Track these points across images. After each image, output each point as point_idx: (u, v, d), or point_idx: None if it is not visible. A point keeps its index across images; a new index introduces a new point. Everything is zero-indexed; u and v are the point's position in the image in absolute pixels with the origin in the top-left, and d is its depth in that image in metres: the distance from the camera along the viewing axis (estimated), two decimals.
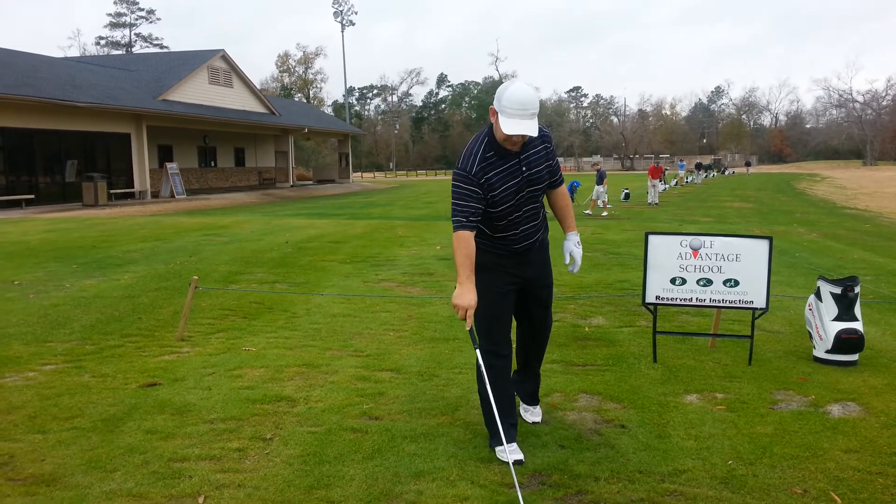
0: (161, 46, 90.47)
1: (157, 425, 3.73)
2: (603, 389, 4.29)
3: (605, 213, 20.15)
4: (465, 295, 3.12)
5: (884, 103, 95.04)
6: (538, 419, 3.77)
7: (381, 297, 7.28)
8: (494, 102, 3.15)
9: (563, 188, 3.56)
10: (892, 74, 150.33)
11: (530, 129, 3.07)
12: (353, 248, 11.57)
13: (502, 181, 3.21)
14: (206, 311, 6.63)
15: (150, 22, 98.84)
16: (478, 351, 3.23)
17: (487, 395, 3.20)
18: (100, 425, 3.74)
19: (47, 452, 3.40)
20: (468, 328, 3.16)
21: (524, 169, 3.26)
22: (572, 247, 3.55)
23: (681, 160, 52.84)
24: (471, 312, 3.12)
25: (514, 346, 3.63)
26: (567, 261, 3.58)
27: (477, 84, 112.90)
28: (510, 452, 3.22)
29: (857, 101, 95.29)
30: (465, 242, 3.15)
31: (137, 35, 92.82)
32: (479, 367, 3.28)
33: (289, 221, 17.43)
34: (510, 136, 3.11)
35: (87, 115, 24.60)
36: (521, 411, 3.82)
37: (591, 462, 3.27)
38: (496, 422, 3.13)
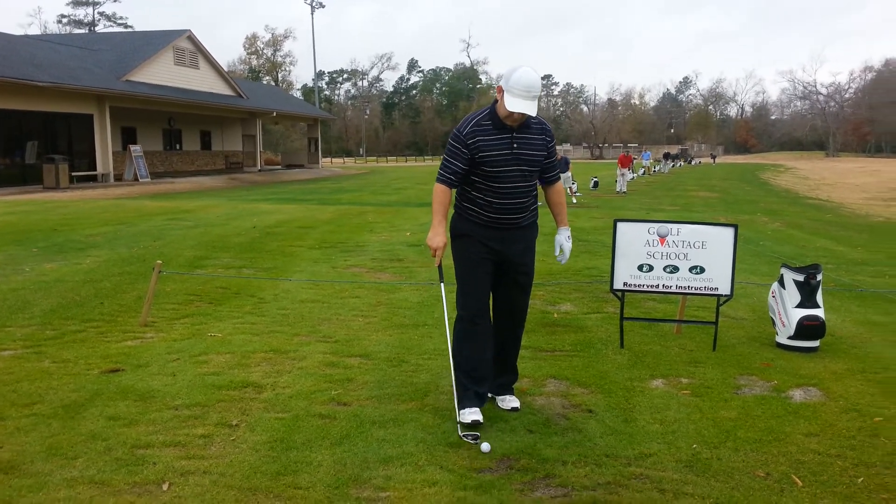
0: (125, 26, 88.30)
1: (120, 412, 3.66)
2: (571, 375, 4.32)
3: (574, 201, 20.29)
4: (436, 237, 3.53)
5: (846, 96, 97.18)
6: (517, 404, 3.77)
7: (350, 283, 7.23)
8: (502, 82, 3.44)
9: (560, 186, 3.85)
10: (854, 68, 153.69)
11: (530, 109, 3.38)
12: (321, 233, 11.47)
13: (490, 147, 3.49)
14: (171, 296, 6.52)
15: (115, 1, 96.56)
16: (442, 285, 3.70)
17: (460, 357, 3.60)
18: (60, 412, 3.65)
19: (5, 439, 3.31)
20: (436, 265, 3.62)
21: (515, 145, 3.52)
22: (563, 240, 3.81)
23: (646, 150, 53.34)
24: (440, 252, 3.54)
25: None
26: (557, 252, 3.83)
27: (448, 70, 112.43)
28: (470, 414, 3.52)
29: (820, 94, 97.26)
30: (441, 193, 3.55)
31: (101, 14, 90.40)
32: (454, 327, 3.68)
33: (256, 206, 17.22)
34: (511, 114, 3.42)
35: (47, 95, 23.92)
36: (498, 401, 3.82)
37: (558, 446, 3.30)
38: (464, 384, 3.56)
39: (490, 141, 3.48)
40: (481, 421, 3.48)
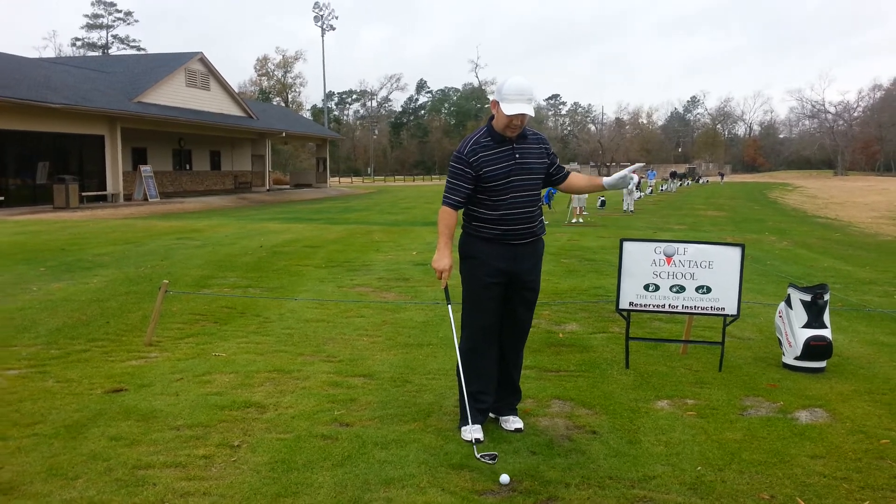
0: (138, 48, 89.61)
1: (122, 432, 3.66)
2: (575, 395, 4.29)
3: (580, 220, 20.27)
4: (442, 259, 3.57)
5: (855, 115, 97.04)
6: (520, 425, 3.75)
7: (355, 303, 7.23)
8: (495, 94, 3.53)
9: (574, 173, 3.87)
10: (863, 87, 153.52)
11: (527, 110, 3.45)
12: (328, 252, 11.50)
13: (493, 162, 3.55)
14: (177, 315, 6.54)
15: (128, 24, 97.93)
16: (450, 307, 3.74)
17: (464, 376, 3.62)
18: (62, 432, 3.65)
19: (6, 460, 3.31)
20: (443, 287, 3.68)
21: (517, 156, 3.58)
22: (618, 176, 3.78)
23: (651, 169, 53.27)
24: (446, 274, 3.59)
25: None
26: (629, 185, 3.97)
27: (457, 91, 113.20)
28: (472, 432, 3.55)
29: (829, 112, 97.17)
30: (447, 216, 3.60)
31: (114, 37, 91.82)
32: (460, 344, 3.72)
33: (264, 226, 17.29)
34: (510, 121, 3.48)
35: (60, 117, 24.21)
36: (502, 422, 3.80)
37: (562, 468, 3.26)
38: (466, 402, 3.58)
39: (492, 156, 3.55)
40: (482, 439, 3.48)
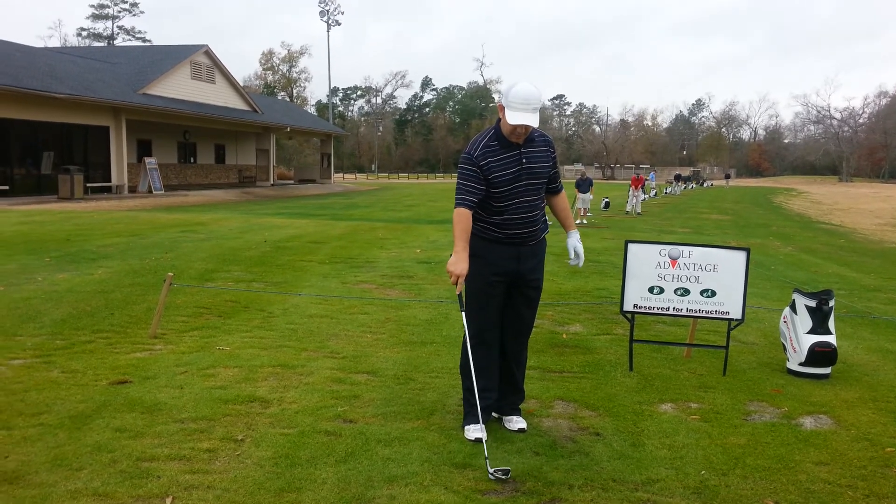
0: (144, 40, 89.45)
1: (127, 424, 3.66)
2: (579, 397, 4.29)
3: (584, 221, 20.25)
4: (459, 263, 3.47)
5: (860, 121, 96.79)
6: (524, 426, 3.75)
7: (359, 299, 7.23)
8: (502, 98, 3.49)
9: (564, 194, 3.91)
10: (868, 93, 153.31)
11: (532, 120, 3.43)
12: (332, 248, 11.50)
13: (501, 167, 3.54)
14: (181, 308, 6.54)
15: (134, 15, 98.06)
16: (463, 314, 3.62)
17: (469, 372, 3.56)
18: (67, 422, 3.66)
19: (11, 449, 3.32)
20: (458, 292, 3.54)
21: (524, 160, 3.57)
22: (575, 242, 3.89)
23: (652, 171, 53.11)
24: (461, 279, 3.48)
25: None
26: (572, 255, 3.90)
27: (461, 88, 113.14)
28: (474, 431, 3.55)
29: (834, 118, 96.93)
30: (462, 218, 3.52)
31: (120, 28, 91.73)
32: (464, 342, 3.67)
33: (268, 220, 17.30)
34: (514, 129, 3.47)
35: (65, 107, 24.24)
36: (505, 422, 3.80)
37: (565, 469, 3.26)
38: (470, 401, 3.57)
39: (499, 160, 3.54)
40: (485, 439, 3.42)
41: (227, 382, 4.38)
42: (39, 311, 6.24)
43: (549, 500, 2.98)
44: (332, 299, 7.18)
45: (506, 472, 3.15)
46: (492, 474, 3.14)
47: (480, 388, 3.57)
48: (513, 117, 3.41)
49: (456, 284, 3.50)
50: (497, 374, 3.75)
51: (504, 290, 3.69)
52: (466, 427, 3.64)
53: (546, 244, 3.82)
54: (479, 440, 3.47)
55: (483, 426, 3.50)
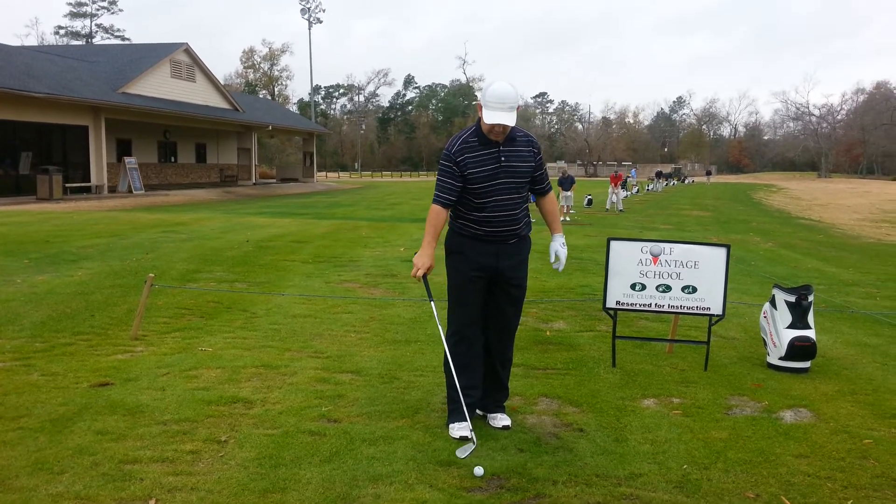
0: (123, 38, 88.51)
1: (108, 426, 3.63)
2: (562, 393, 4.31)
3: (567, 219, 20.35)
4: (422, 257, 3.56)
5: (839, 117, 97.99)
6: (508, 423, 3.77)
7: (342, 298, 7.22)
8: (480, 97, 3.52)
9: (552, 196, 3.90)
10: (846, 90, 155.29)
11: (508, 119, 3.45)
12: (315, 248, 11.46)
13: (478, 164, 3.56)
14: (162, 309, 6.49)
15: (112, 13, 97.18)
16: (432, 303, 3.69)
17: (450, 372, 3.59)
18: (48, 426, 3.62)
19: None
20: (419, 278, 3.59)
21: (502, 159, 3.58)
22: (558, 246, 3.85)
23: (633, 168, 53.38)
24: (421, 271, 3.55)
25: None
26: (552, 259, 3.87)
27: (444, 87, 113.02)
28: (458, 430, 3.59)
29: (813, 115, 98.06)
30: (435, 214, 3.59)
31: (98, 26, 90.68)
32: (447, 344, 3.68)
33: (250, 220, 17.20)
34: (492, 128, 3.49)
35: (42, 106, 23.91)
36: (489, 419, 3.82)
37: (549, 465, 3.28)
38: (454, 398, 3.59)
39: (478, 157, 3.56)
40: (469, 437, 3.42)
41: (209, 384, 4.36)
42: (18, 314, 6.17)
43: (534, 497, 3.00)
44: (316, 299, 7.16)
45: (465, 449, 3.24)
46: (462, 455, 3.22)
47: (462, 386, 3.56)
48: (489, 116, 3.44)
49: (416, 276, 3.56)
50: (480, 372, 3.75)
51: (485, 287, 3.69)
52: (451, 425, 3.65)
53: (530, 243, 3.83)
54: (463, 438, 3.49)
55: (469, 424, 3.48)
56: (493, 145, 3.57)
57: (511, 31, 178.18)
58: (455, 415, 3.63)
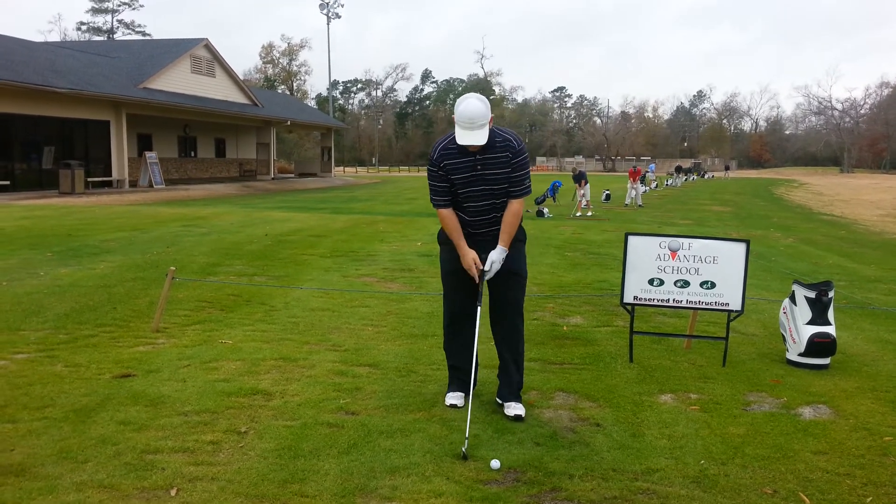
0: (143, 34, 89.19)
1: (130, 417, 3.70)
2: (579, 388, 4.32)
3: (589, 213, 20.29)
4: (464, 258, 3.72)
5: (862, 112, 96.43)
6: (519, 412, 3.79)
7: (360, 292, 7.26)
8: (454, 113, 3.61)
9: (517, 205, 3.75)
10: (870, 83, 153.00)
11: (477, 139, 3.53)
12: (333, 242, 11.52)
13: (457, 170, 3.70)
14: (183, 302, 6.57)
15: (133, 9, 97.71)
16: (478, 307, 3.84)
17: (446, 349, 4.06)
18: (72, 416, 3.69)
19: (17, 442, 3.35)
20: (478, 279, 3.75)
21: (479, 167, 3.68)
22: (495, 256, 3.74)
23: (651, 163, 52.92)
24: (473, 268, 3.69)
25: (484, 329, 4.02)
26: (486, 266, 3.74)
27: (462, 81, 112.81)
28: (450, 398, 3.94)
29: (835, 109, 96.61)
30: (443, 217, 3.78)
31: (120, 21, 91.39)
32: (443, 325, 4.05)
33: (269, 214, 17.32)
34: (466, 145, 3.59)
35: (65, 101, 24.23)
36: (504, 409, 3.86)
37: (565, 460, 3.29)
38: (450, 374, 4.02)
39: (456, 164, 3.69)
40: (460, 405, 3.87)
41: (229, 375, 4.41)
42: (42, 306, 6.27)
43: (550, 490, 3.01)
44: (334, 292, 7.21)
45: (464, 456, 3.29)
46: (465, 449, 3.32)
47: (451, 366, 4.02)
48: (460, 136, 3.55)
49: (476, 277, 3.72)
50: (470, 357, 3.91)
51: (468, 276, 3.79)
52: (446, 395, 3.99)
53: (520, 231, 3.86)
54: (454, 406, 3.87)
55: (462, 395, 3.90)
56: (470, 154, 3.66)
57: (530, 24, 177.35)
58: (451, 386, 4.01)
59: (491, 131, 3.61)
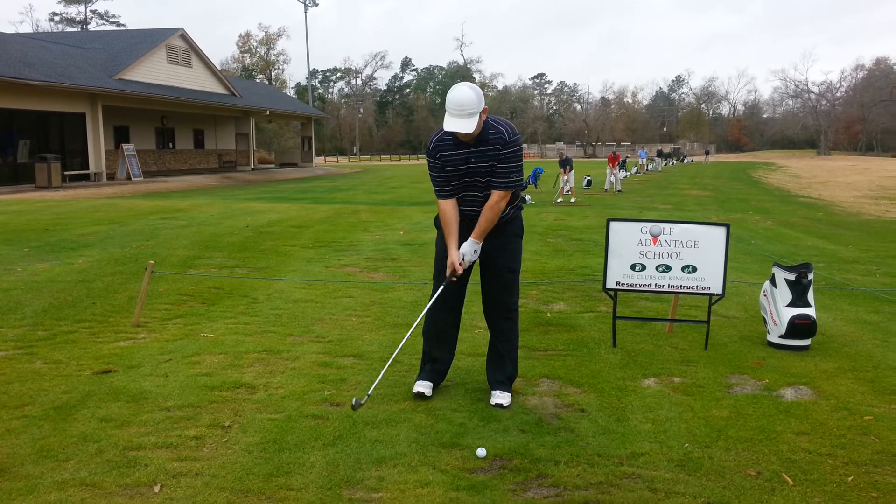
0: (118, 24, 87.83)
1: (112, 413, 3.65)
2: (563, 374, 4.33)
3: (572, 200, 20.34)
4: (449, 256, 3.70)
5: (838, 94, 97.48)
6: (502, 402, 3.78)
7: (343, 283, 7.23)
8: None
9: (498, 198, 3.65)
10: (845, 67, 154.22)
11: (465, 127, 3.48)
12: (315, 232, 11.45)
13: (451, 162, 3.70)
14: (164, 296, 6.50)
15: None
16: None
17: (426, 335, 4.00)
18: (52, 413, 3.64)
19: None
20: (452, 280, 3.75)
21: (472, 160, 3.67)
22: (466, 248, 3.72)
23: (642, 149, 53.36)
24: (455, 267, 3.66)
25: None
26: (458, 259, 3.70)
27: (441, 69, 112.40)
28: (416, 386, 3.91)
29: (812, 93, 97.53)
30: (442, 210, 3.75)
31: (93, 12, 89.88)
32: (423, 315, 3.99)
33: (250, 205, 17.18)
34: (455, 133, 3.54)
35: (39, 94, 23.79)
36: (491, 396, 3.86)
37: (551, 446, 3.30)
38: (423, 360, 4.01)
39: (450, 156, 3.69)
40: (426, 395, 3.85)
41: (212, 369, 4.37)
42: (20, 303, 6.18)
43: (536, 477, 3.02)
44: (317, 283, 7.17)
45: (355, 405, 3.43)
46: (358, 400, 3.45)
47: (429, 351, 3.98)
48: (448, 123, 3.51)
49: (456, 276, 3.70)
50: (446, 346, 3.96)
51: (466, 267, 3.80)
52: (416, 382, 3.95)
53: (517, 225, 3.87)
54: (419, 394, 3.84)
55: (431, 385, 3.91)
56: (464, 146, 3.64)
57: (512, 11, 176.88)
58: (420, 372, 3.99)
59: (485, 123, 3.59)
